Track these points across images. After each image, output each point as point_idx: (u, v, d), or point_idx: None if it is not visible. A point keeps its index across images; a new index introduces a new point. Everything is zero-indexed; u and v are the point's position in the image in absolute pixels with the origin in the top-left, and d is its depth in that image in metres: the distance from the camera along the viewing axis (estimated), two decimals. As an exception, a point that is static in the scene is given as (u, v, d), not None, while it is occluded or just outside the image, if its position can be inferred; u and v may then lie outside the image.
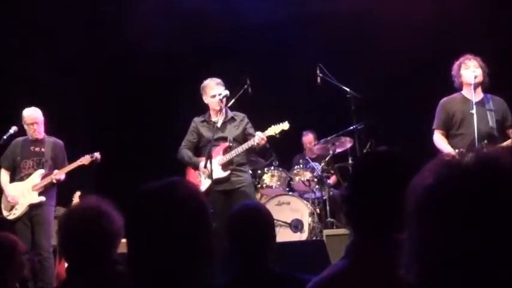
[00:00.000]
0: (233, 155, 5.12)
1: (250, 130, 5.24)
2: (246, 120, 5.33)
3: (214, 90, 5.17)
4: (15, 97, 5.69)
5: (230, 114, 5.31)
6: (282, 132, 5.08)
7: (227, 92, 5.16)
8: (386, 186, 1.44)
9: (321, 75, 5.86)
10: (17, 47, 6.98)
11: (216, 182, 5.02)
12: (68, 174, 5.51)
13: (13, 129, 5.51)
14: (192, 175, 5.34)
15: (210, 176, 4.91)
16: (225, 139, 5.20)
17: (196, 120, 5.37)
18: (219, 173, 5.09)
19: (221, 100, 5.13)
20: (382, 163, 1.54)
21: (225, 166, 5.15)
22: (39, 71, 6.90)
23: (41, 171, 5.44)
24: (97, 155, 5.54)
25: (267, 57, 7.17)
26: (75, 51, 7.12)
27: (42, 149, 5.51)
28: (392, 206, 1.09)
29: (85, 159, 5.50)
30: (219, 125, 5.15)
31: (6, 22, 6.91)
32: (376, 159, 1.60)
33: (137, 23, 7.07)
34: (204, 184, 5.14)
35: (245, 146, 5.08)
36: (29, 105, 5.57)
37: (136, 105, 7.56)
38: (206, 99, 5.24)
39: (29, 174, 5.44)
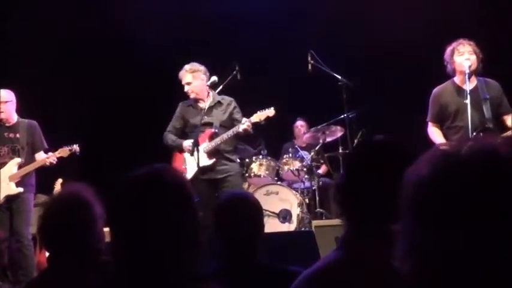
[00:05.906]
0: (218, 142, 5.02)
1: (237, 115, 5.15)
2: (233, 104, 5.23)
3: (183, 79, 5.13)
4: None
5: (217, 98, 5.22)
6: (268, 118, 5.00)
7: (215, 78, 5.07)
8: (381, 176, 1.41)
9: (312, 62, 5.79)
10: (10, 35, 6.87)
11: (202, 170, 4.92)
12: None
13: None
14: (177, 162, 5.24)
15: (196, 164, 4.82)
16: (211, 125, 5.10)
17: (182, 104, 5.28)
18: (204, 161, 4.98)
19: (208, 86, 5.07)
20: (377, 152, 1.52)
21: (210, 154, 5.05)
22: (28, 57, 6.81)
23: (17, 160, 5.25)
24: (76, 147, 5.36)
25: (257, 42, 7.08)
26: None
27: (17, 135, 5.32)
28: (387, 196, 1.07)
29: (63, 151, 5.32)
30: (205, 109, 5.06)
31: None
32: (371, 148, 1.58)
33: (129, 9, 6.97)
34: (190, 172, 5.04)
35: (230, 132, 4.99)
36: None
37: (121, 92, 7.44)
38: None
39: (5, 163, 5.25)
